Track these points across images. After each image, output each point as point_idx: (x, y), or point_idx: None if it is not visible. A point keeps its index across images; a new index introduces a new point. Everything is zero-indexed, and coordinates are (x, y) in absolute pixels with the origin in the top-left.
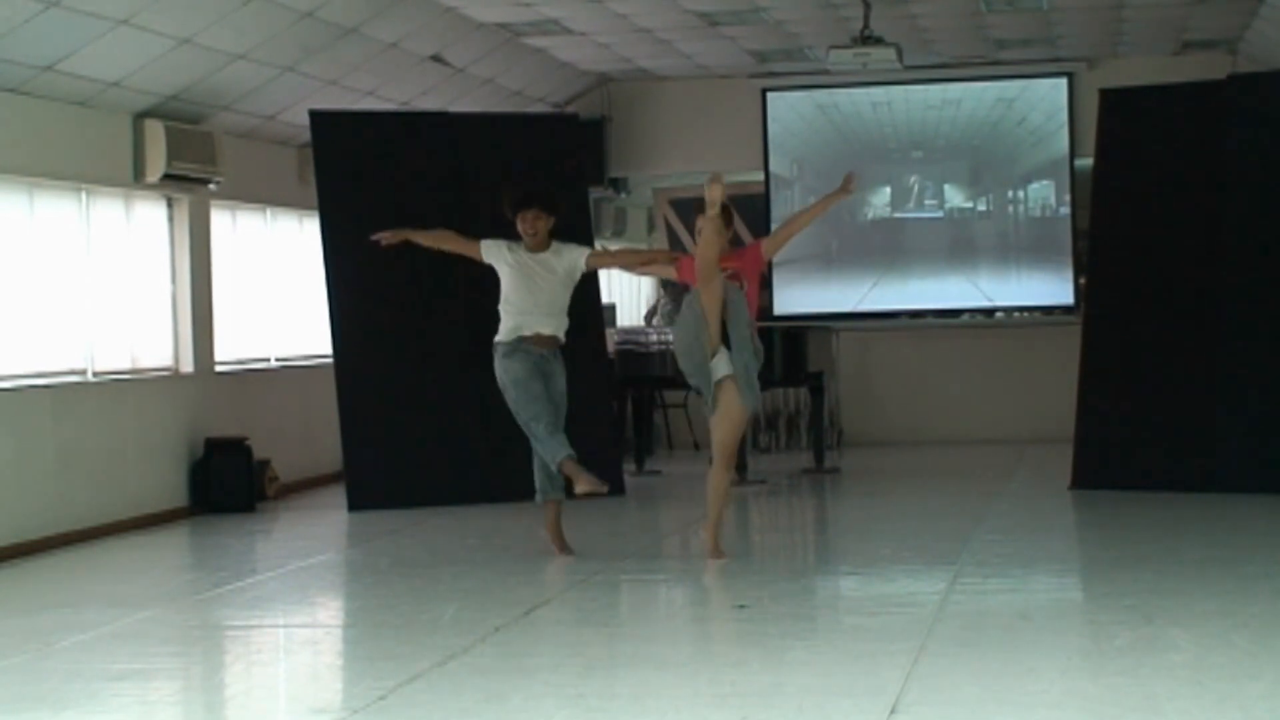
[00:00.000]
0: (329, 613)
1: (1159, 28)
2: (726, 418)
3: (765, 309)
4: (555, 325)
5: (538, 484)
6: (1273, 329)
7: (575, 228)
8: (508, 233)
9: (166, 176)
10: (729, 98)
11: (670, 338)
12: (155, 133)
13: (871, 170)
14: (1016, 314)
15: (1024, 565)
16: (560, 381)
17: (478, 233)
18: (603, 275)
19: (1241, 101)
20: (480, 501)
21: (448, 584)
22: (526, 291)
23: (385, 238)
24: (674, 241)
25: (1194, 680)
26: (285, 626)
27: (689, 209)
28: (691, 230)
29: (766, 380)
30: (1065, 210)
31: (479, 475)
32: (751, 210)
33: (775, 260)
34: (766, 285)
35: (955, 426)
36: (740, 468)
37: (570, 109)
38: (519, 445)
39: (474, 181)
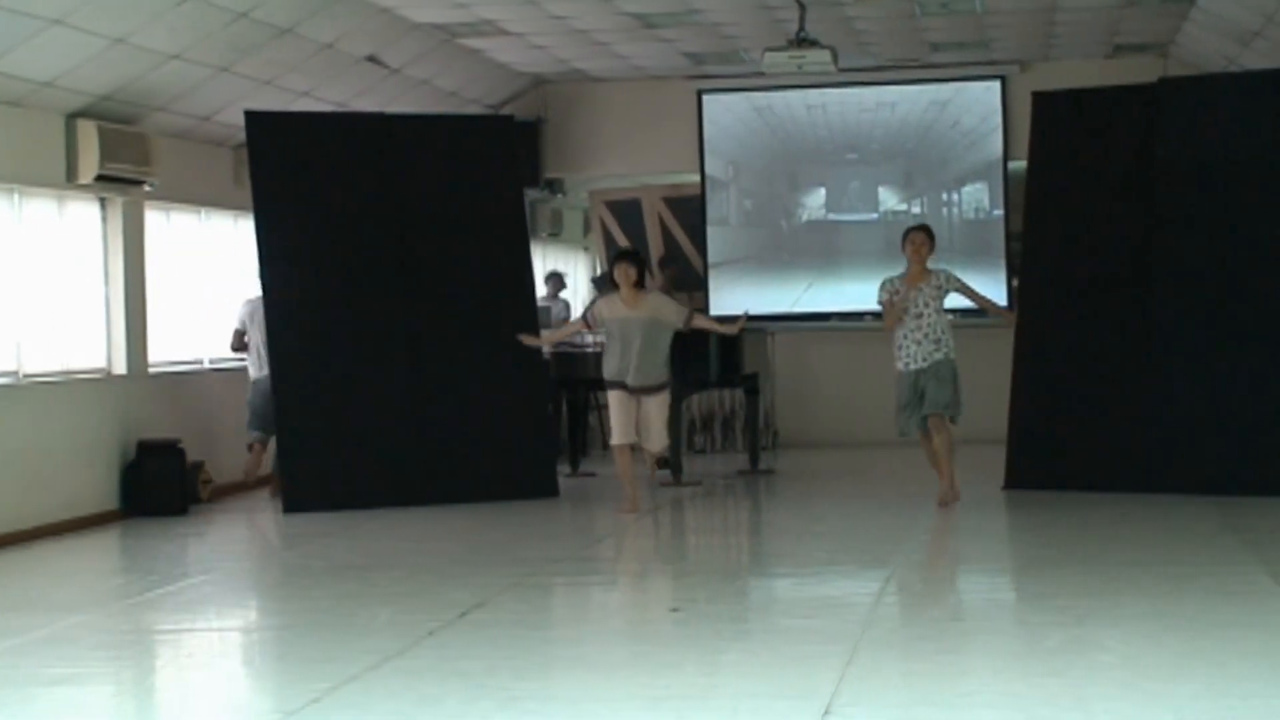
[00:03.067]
0: (262, 616)
1: (1091, 31)
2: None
3: (701, 310)
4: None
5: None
6: (1203, 331)
7: (510, 230)
8: (447, 233)
9: (100, 177)
10: (665, 99)
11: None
12: (89, 133)
13: (807, 172)
14: (950, 316)
15: (957, 566)
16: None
17: (415, 235)
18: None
19: (1172, 104)
20: (417, 504)
21: (383, 587)
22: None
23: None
24: (609, 243)
25: (1125, 681)
26: (218, 630)
27: (625, 211)
28: (626, 231)
29: (702, 381)
30: (999, 213)
31: (416, 478)
32: (687, 212)
33: (711, 262)
34: (702, 286)
35: (890, 428)
36: (675, 469)
37: (506, 110)
38: (457, 447)
39: (410, 182)
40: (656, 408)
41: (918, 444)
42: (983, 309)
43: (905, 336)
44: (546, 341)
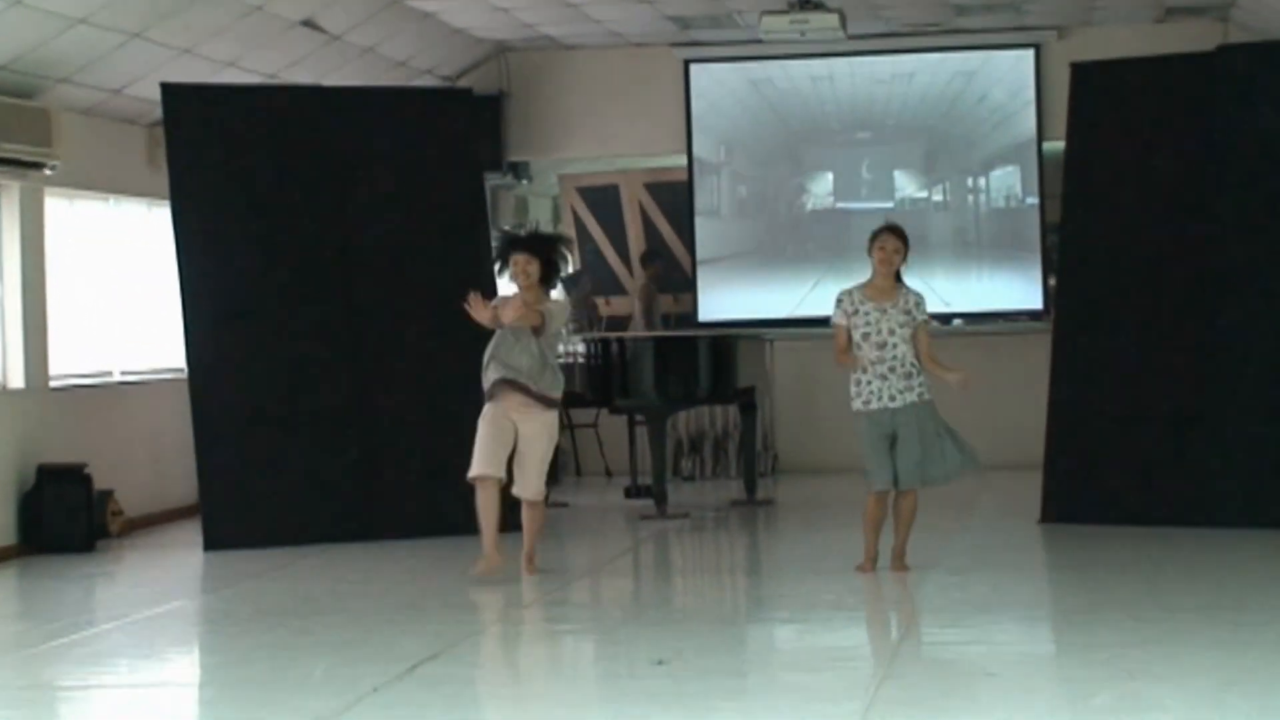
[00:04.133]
0: (181, 669)
1: None
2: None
3: (689, 315)
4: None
5: None
6: (1269, 336)
7: (468, 222)
8: (394, 226)
9: None
10: (647, 70)
11: (579, 348)
12: None
13: (811, 154)
14: (977, 321)
15: (987, 612)
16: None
17: (358, 229)
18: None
19: (1234, 76)
20: (357, 540)
21: (319, 635)
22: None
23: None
24: (583, 235)
25: None
26: (130, 686)
27: (600, 199)
28: (602, 223)
29: (690, 397)
30: (1033, 201)
31: (356, 510)
32: (671, 199)
33: (701, 259)
34: (690, 287)
35: None
36: (659, 499)
37: (463, 83)
38: (405, 473)
39: (352, 168)
40: (543, 435)
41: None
42: (925, 367)
43: (864, 368)
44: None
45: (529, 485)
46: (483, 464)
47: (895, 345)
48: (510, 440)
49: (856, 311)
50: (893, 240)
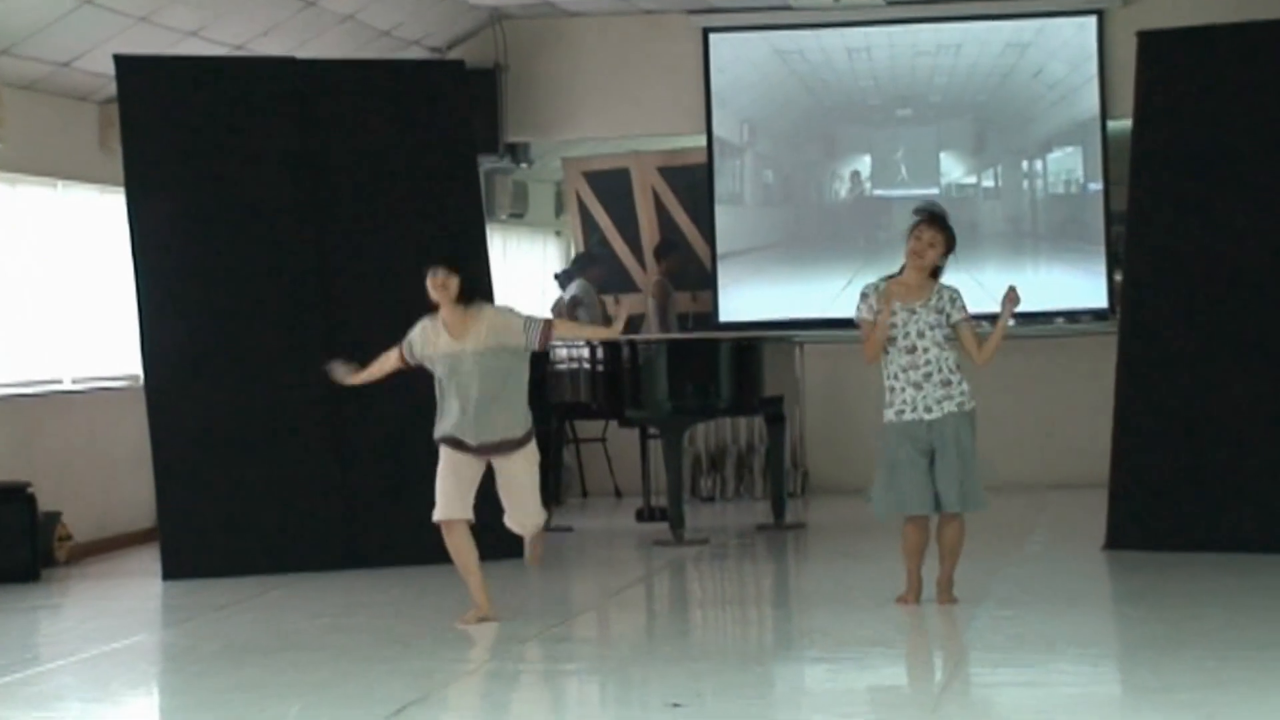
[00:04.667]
0: (137, 713)
1: None
2: None
3: (708, 314)
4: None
5: None
6: None
7: (460, 210)
8: (377, 214)
9: None
10: (661, 41)
11: (584, 351)
12: None
13: (846, 135)
14: (1034, 321)
15: (1045, 649)
16: None
17: (336, 217)
18: (496, 271)
19: None
20: (336, 568)
21: (292, 675)
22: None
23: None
24: (589, 226)
25: None
26: None
27: (609, 185)
28: (610, 211)
29: (709, 408)
30: (1096, 187)
31: (335, 534)
32: (689, 185)
33: (721, 252)
34: (709, 283)
35: None
36: (675, 523)
37: (455, 55)
38: (387, 494)
39: (329, 150)
40: (522, 466)
41: (988, 487)
42: (984, 358)
43: (896, 376)
44: (356, 379)
45: (528, 516)
46: (448, 508)
47: (927, 349)
48: (478, 475)
49: (882, 311)
50: (930, 231)
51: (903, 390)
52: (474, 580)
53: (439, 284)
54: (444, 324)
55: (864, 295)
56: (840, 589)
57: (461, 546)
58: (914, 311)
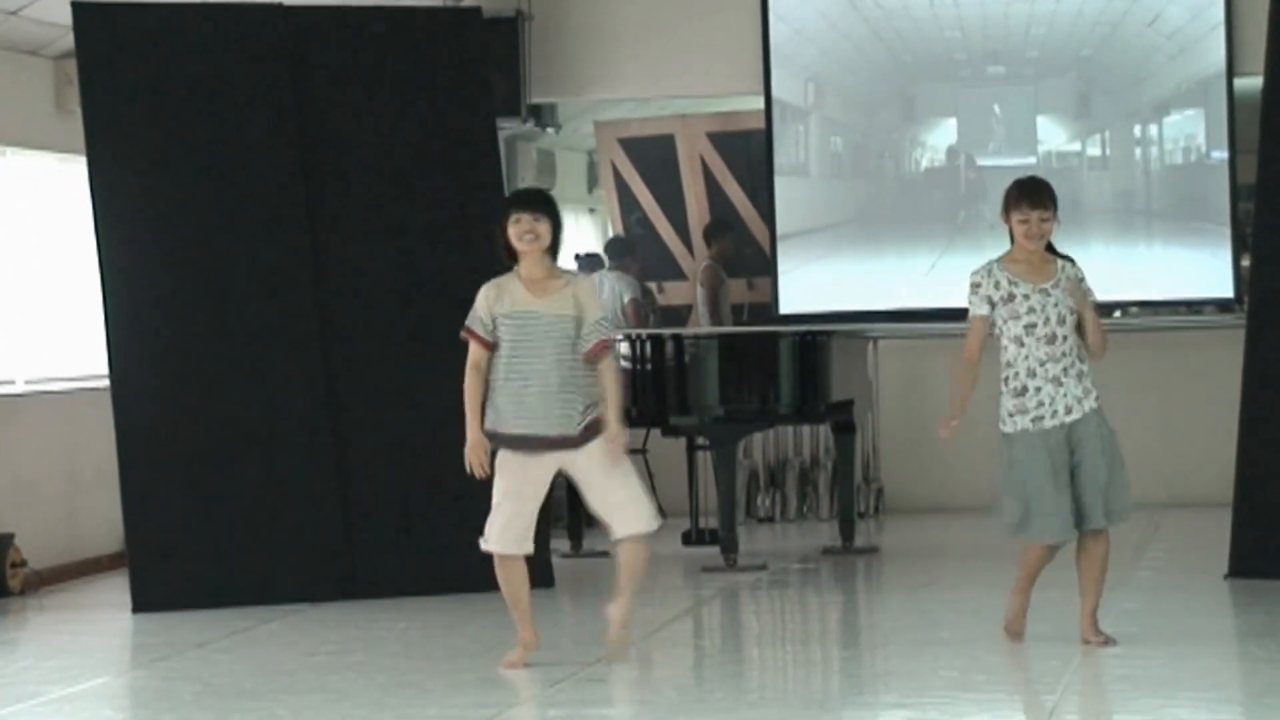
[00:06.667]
0: None
1: None
2: None
3: (766, 306)
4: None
5: None
6: None
7: (476, 181)
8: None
9: None
10: None
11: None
12: None
13: (929, 96)
14: (1148, 312)
15: (1159, 693)
16: None
17: (330, 189)
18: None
19: None
20: (334, 599)
21: None
22: None
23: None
24: (626, 200)
25: None
26: None
27: (649, 153)
28: (652, 185)
29: (769, 414)
30: (1220, 155)
31: (329, 560)
32: (744, 154)
33: (782, 233)
34: (768, 269)
35: None
36: (728, 548)
37: (471, 2)
38: (391, 516)
39: (322, 109)
40: (605, 450)
41: None
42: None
43: (1033, 372)
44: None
45: (637, 516)
46: (509, 541)
47: (1066, 338)
48: (543, 492)
49: (1011, 297)
50: (1037, 211)
51: (1039, 389)
52: (524, 617)
53: (526, 229)
54: (519, 279)
55: (975, 285)
56: (919, 624)
57: (513, 578)
58: (1047, 293)
